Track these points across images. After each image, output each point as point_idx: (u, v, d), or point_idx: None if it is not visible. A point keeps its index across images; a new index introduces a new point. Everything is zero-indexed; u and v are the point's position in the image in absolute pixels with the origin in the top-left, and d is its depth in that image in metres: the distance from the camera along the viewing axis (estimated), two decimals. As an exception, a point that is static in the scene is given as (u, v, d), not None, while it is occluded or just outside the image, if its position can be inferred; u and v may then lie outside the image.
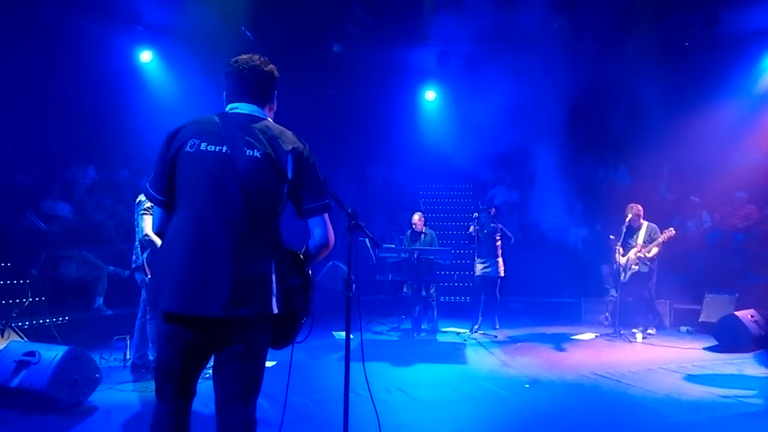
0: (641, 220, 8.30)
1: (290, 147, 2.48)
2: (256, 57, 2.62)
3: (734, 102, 10.55)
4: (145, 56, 10.43)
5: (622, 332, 7.99)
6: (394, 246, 8.81)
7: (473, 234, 8.48)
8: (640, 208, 8.32)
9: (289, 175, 2.47)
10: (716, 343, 7.32)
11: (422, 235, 8.90)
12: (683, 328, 8.74)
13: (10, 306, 6.62)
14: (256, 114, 2.57)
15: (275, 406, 4.78)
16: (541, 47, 10.14)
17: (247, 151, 2.43)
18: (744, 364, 6.36)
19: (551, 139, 10.39)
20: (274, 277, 2.44)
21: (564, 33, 10.13)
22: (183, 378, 2.45)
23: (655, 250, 8.06)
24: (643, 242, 8.14)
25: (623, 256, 8.20)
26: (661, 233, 8.06)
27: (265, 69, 2.62)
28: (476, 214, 8.65)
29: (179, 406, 2.46)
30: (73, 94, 9.23)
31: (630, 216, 8.20)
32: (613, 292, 8.74)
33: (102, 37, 9.72)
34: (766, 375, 5.91)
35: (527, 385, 5.63)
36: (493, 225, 8.70)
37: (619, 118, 12.14)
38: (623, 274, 8.20)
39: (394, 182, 13.69)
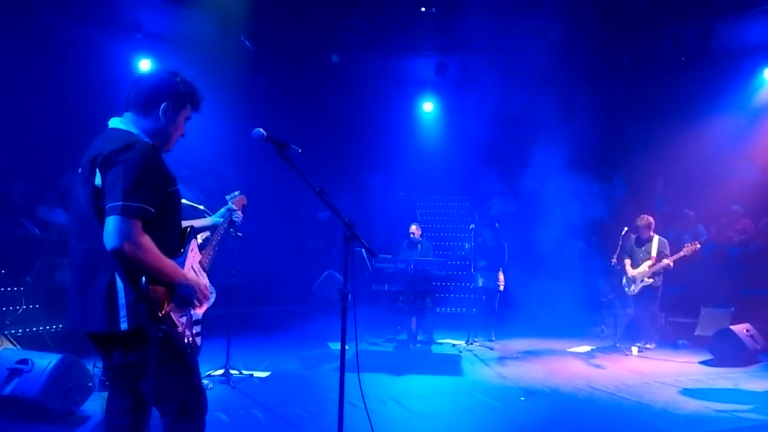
0: (651, 233, 8.24)
1: None
2: None
3: (729, 116, 10.60)
4: (144, 64, 10.43)
5: (617, 345, 7.97)
6: (390, 256, 8.80)
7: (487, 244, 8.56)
8: (651, 219, 8.27)
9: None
10: (712, 357, 7.31)
11: (418, 246, 8.90)
12: (679, 342, 8.73)
13: (4, 313, 6.59)
14: None
15: (269, 416, 4.77)
16: (538, 59, 10.20)
17: None
18: (739, 378, 6.35)
19: (547, 150, 10.43)
20: None
21: (560, 45, 10.19)
22: None
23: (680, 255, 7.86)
24: (657, 255, 8.04)
25: (634, 268, 8.16)
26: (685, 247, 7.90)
27: None
28: (472, 226, 8.67)
29: None
30: (71, 101, 9.21)
31: (641, 228, 8.16)
32: (617, 304, 8.66)
33: (101, 44, 9.73)
34: (761, 389, 5.91)
35: (522, 398, 5.61)
36: (493, 238, 8.72)
37: (615, 131, 12.21)
38: (633, 287, 8.16)
39: (391, 193, 13.69)
